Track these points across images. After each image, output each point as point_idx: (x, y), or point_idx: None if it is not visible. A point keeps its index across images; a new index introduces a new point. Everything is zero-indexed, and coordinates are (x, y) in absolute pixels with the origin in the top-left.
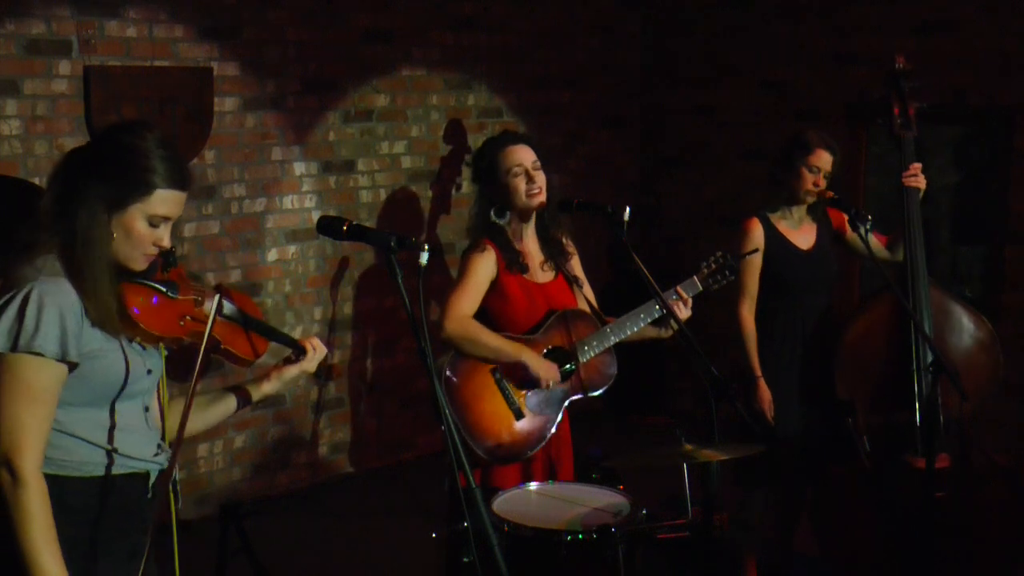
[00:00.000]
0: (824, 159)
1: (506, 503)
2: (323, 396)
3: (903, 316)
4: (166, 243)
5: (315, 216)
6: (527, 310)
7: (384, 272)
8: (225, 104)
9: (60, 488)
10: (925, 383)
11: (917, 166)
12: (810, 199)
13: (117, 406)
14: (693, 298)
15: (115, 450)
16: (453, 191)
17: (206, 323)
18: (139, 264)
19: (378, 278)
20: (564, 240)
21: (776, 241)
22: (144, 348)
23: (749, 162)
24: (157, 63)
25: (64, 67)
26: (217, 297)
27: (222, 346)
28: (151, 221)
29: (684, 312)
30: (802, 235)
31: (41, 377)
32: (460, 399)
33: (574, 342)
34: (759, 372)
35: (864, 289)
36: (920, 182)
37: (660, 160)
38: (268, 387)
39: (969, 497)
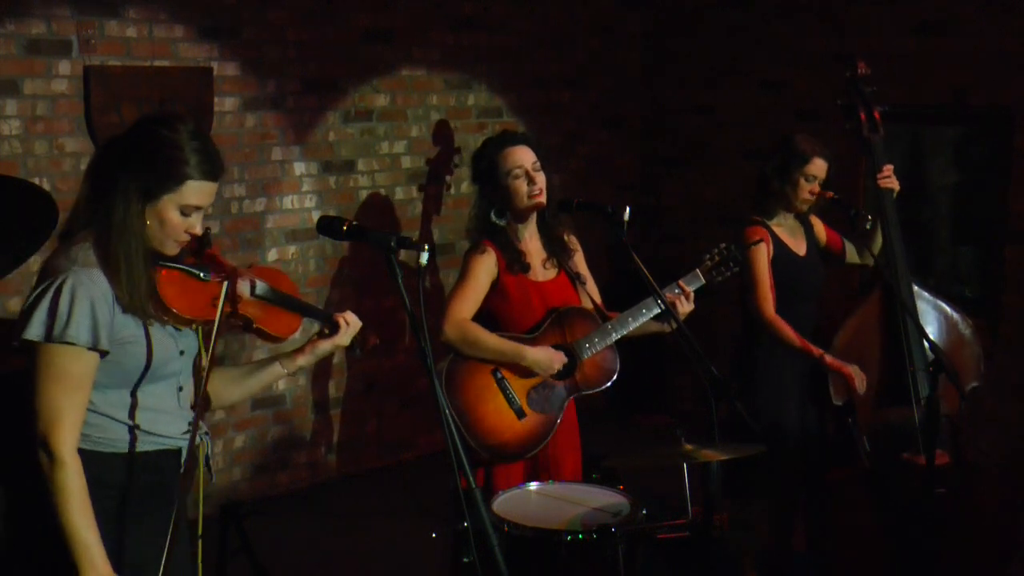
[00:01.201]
0: (820, 167)
1: (506, 503)
2: (323, 396)
3: (892, 316)
4: (197, 230)
5: (315, 216)
6: (528, 309)
7: (384, 272)
8: (225, 104)
9: (97, 463)
10: (924, 383)
11: (890, 167)
12: (806, 207)
13: (149, 387)
14: (696, 292)
15: (145, 429)
16: (453, 191)
17: (238, 303)
18: (172, 250)
19: (378, 278)
20: (566, 237)
21: (778, 247)
22: (178, 330)
23: (749, 162)
24: (157, 63)
25: (64, 67)
26: (225, 284)
27: (254, 325)
28: (183, 211)
29: (686, 306)
30: (797, 241)
31: (75, 365)
32: (462, 400)
33: (575, 340)
34: (820, 350)
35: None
36: (894, 183)
37: (660, 160)
38: (302, 360)
39: (964, 493)
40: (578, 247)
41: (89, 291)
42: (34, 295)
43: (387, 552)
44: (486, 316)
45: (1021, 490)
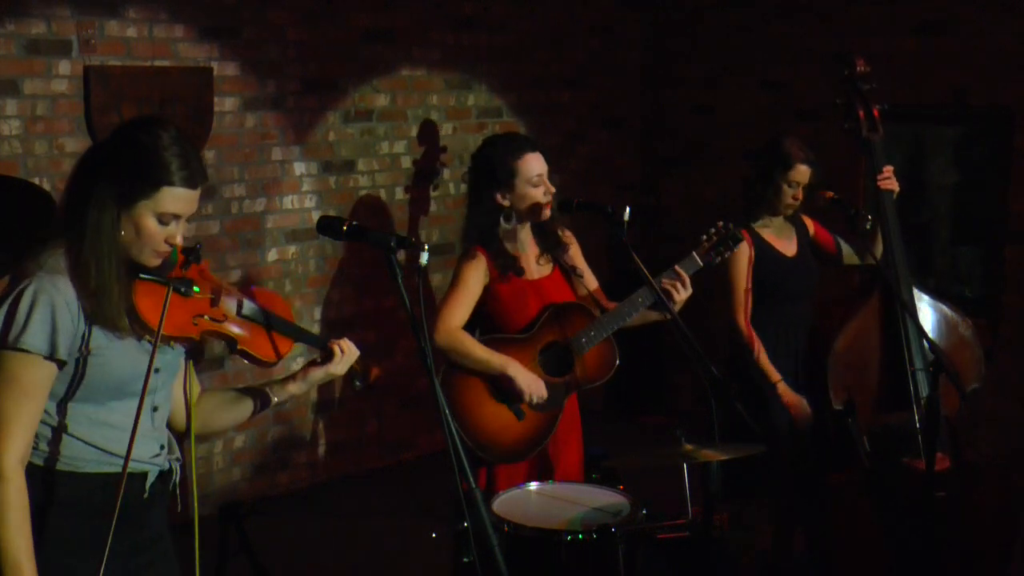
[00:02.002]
0: (803, 173)
1: (506, 503)
2: (323, 396)
3: (891, 319)
4: (177, 240)
5: (315, 216)
6: (523, 310)
7: (384, 272)
8: (225, 104)
9: (52, 481)
10: (924, 383)
11: (890, 169)
12: (790, 211)
13: (116, 404)
14: (694, 276)
15: (109, 449)
16: (453, 191)
17: (223, 322)
18: (151, 261)
19: (378, 278)
20: (560, 232)
21: (763, 250)
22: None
23: (749, 162)
24: (157, 63)
25: (64, 67)
26: (168, 290)
27: (239, 346)
28: (160, 219)
29: (683, 292)
30: (785, 242)
31: (28, 373)
32: (461, 404)
33: (572, 335)
34: (778, 376)
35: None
36: (894, 184)
37: (660, 160)
38: (294, 387)
39: (964, 495)
40: (573, 240)
41: (51, 298)
42: None
43: (387, 552)
44: (483, 318)
45: (1021, 490)
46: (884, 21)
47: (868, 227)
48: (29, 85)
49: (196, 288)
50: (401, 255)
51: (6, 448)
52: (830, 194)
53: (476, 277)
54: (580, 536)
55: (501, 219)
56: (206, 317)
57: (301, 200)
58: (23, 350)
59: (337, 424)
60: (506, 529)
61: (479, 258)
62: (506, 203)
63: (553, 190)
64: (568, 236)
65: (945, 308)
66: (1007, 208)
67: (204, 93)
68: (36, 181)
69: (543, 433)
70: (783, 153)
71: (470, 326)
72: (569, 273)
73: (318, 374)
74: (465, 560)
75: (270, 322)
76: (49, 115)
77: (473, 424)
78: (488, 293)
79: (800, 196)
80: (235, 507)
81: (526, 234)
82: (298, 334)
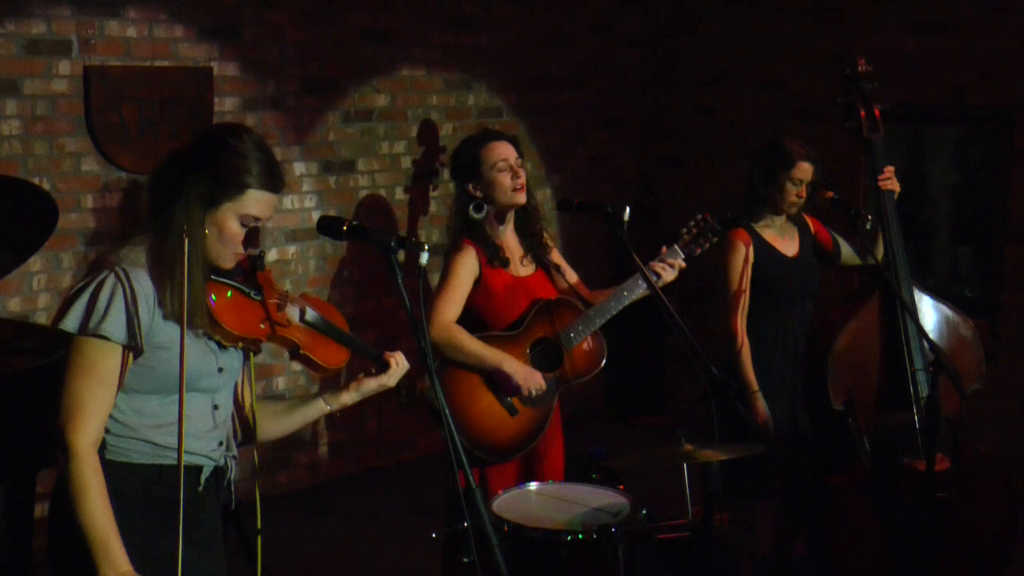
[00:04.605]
0: (806, 171)
1: (506, 503)
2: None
3: (891, 320)
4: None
5: (315, 216)
6: (512, 304)
7: (384, 272)
8: (225, 104)
9: (109, 473)
10: (924, 383)
11: (891, 169)
12: (794, 210)
13: (179, 398)
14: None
15: (168, 444)
16: (453, 190)
17: (287, 327)
18: (227, 263)
19: (378, 278)
20: (544, 233)
21: (763, 250)
22: (222, 347)
23: (750, 162)
24: (157, 63)
25: (64, 67)
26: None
27: (302, 351)
28: (243, 221)
29: (670, 273)
30: (786, 242)
31: (106, 359)
32: (454, 402)
33: (559, 331)
34: (756, 387)
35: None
36: (895, 185)
37: (660, 160)
38: (346, 398)
39: (964, 496)
40: (553, 244)
41: (131, 289)
42: (76, 288)
43: (387, 552)
44: (471, 314)
45: (1021, 490)
46: (884, 21)
47: (868, 227)
48: (29, 85)
49: (264, 293)
50: (401, 255)
51: (82, 431)
52: (830, 194)
53: (467, 269)
54: (580, 536)
55: (470, 209)
56: (271, 321)
57: (301, 200)
58: (103, 337)
59: (337, 424)
60: (506, 529)
61: (468, 250)
62: (478, 193)
63: (523, 177)
64: (548, 239)
65: (946, 308)
66: (1007, 208)
67: (204, 93)
68: (36, 181)
69: (536, 430)
70: (784, 151)
71: (459, 322)
72: (553, 271)
73: (371, 384)
74: (465, 560)
75: (329, 330)
76: (49, 115)
77: (466, 423)
78: (478, 286)
79: (804, 194)
80: (235, 507)
81: (510, 233)
82: (354, 344)
